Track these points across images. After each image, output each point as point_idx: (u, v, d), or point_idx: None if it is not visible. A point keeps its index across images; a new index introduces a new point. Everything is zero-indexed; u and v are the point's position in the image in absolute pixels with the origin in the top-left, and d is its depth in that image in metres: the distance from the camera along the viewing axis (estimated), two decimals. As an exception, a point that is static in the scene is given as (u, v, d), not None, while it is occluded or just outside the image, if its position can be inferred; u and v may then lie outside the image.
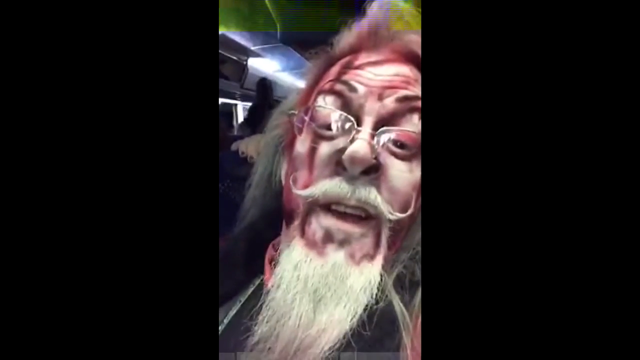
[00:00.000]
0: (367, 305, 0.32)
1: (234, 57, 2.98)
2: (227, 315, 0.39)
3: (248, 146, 0.62)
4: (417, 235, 0.36)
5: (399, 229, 0.35)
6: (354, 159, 0.32)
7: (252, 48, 2.71)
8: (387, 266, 0.34)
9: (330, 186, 0.33)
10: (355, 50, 0.39)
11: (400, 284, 0.34)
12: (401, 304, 0.33)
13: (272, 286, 0.34)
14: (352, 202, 0.33)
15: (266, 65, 3.43)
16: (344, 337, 0.31)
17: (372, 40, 0.38)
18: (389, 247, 0.34)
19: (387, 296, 0.33)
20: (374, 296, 0.32)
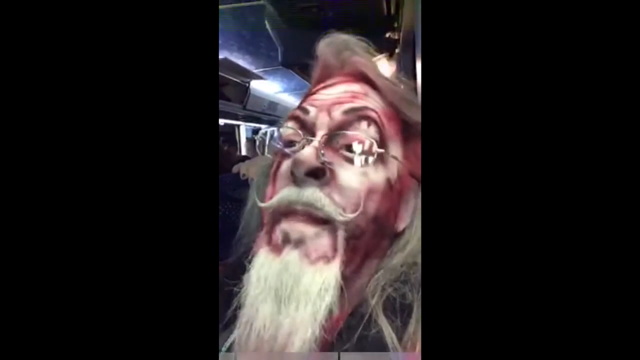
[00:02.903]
0: (348, 323, 0.32)
1: (237, 80, 3.05)
2: (225, 344, 0.38)
3: (249, 169, 0.63)
4: (402, 256, 0.36)
5: (359, 233, 0.35)
6: (296, 161, 0.34)
7: (254, 71, 2.77)
8: (347, 270, 0.34)
9: (283, 193, 0.35)
10: (316, 82, 0.44)
11: (390, 308, 0.34)
12: (391, 330, 0.32)
13: (243, 294, 0.34)
14: (300, 207, 0.34)
15: (268, 87, 3.50)
16: (315, 340, 0.31)
17: (326, 72, 0.44)
18: (352, 252, 0.35)
19: (376, 322, 0.33)
20: (361, 319, 0.32)
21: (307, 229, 0.34)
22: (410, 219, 0.39)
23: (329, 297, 0.32)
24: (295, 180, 0.35)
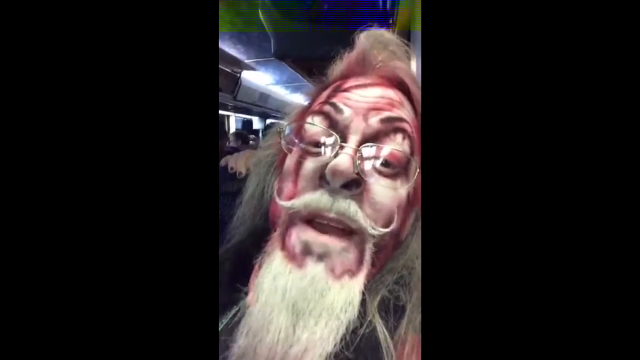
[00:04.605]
0: (349, 328, 0.31)
1: (228, 70, 3.00)
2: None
3: (237, 162, 0.62)
4: (403, 259, 0.36)
5: (382, 246, 0.35)
6: (335, 172, 0.33)
7: (246, 61, 2.73)
8: (369, 285, 0.34)
9: (312, 198, 0.34)
10: (345, 76, 0.41)
11: (384, 309, 0.34)
12: (385, 330, 0.32)
13: (252, 300, 0.33)
14: (332, 215, 0.33)
15: (259, 78, 3.46)
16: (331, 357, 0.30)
17: (360, 67, 0.41)
18: (372, 265, 0.34)
19: (370, 321, 0.33)
20: (356, 318, 0.32)
21: (333, 242, 0.33)
22: (412, 227, 0.39)
23: (351, 312, 0.31)
24: (326, 186, 0.34)
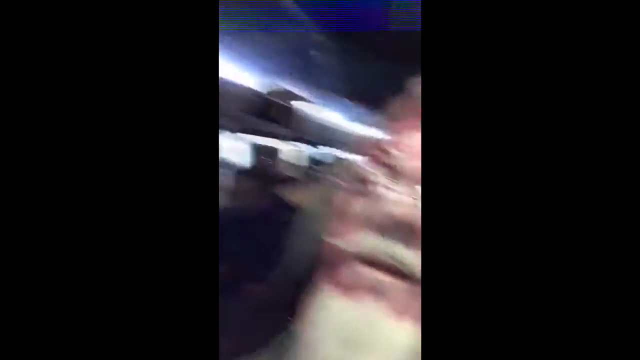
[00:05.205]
0: None
1: (285, 104, 3.14)
2: None
3: (295, 194, 0.64)
4: None
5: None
6: (389, 216, 0.33)
7: (303, 95, 2.83)
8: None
9: (363, 240, 0.34)
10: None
11: None
12: None
13: (300, 330, 0.33)
14: (383, 257, 0.33)
15: (313, 109, 3.57)
16: None
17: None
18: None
19: None
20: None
21: (387, 278, 0.33)
22: None
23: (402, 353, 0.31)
24: (377, 227, 0.34)
